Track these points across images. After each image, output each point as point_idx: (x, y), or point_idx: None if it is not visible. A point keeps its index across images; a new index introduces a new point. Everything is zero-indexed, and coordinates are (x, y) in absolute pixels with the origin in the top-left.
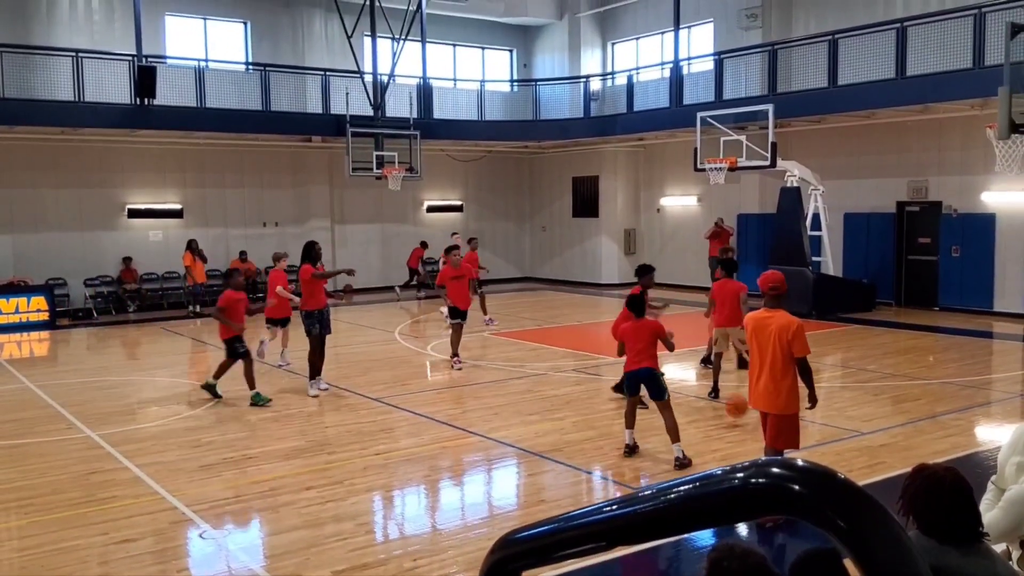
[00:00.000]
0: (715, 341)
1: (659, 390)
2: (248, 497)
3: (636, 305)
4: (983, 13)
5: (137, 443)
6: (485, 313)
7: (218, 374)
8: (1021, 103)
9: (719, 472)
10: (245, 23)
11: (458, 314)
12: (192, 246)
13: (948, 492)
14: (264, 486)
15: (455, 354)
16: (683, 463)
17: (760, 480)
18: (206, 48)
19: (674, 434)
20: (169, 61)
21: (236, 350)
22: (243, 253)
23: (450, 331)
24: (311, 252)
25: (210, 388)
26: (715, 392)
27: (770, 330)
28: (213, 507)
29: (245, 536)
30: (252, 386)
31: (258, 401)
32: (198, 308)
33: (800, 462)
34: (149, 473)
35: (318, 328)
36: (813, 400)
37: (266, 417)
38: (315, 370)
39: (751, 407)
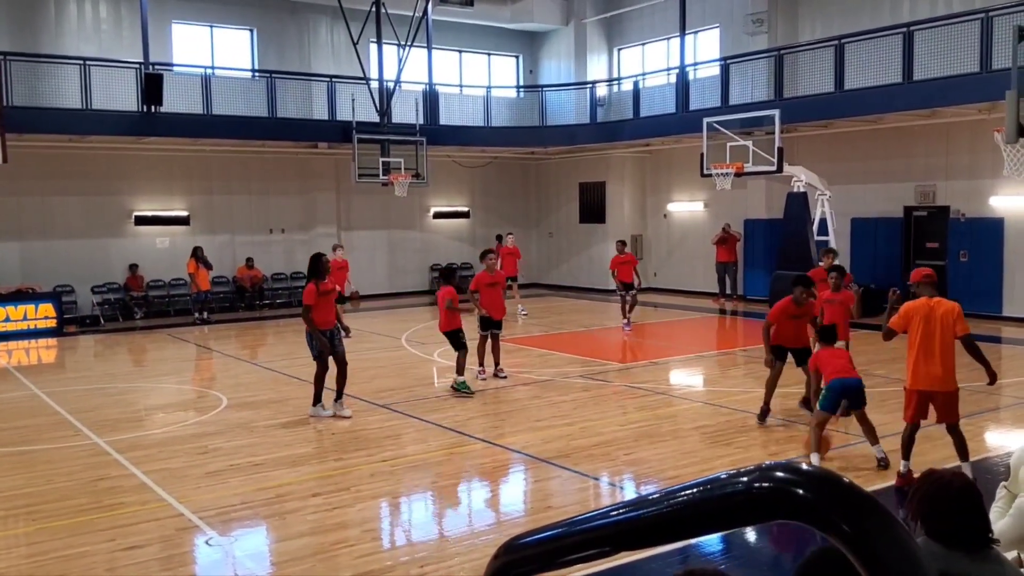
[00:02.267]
0: None
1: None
2: (254, 504)
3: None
4: (990, 17)
5: (144, 450)
6: (625, 316)
7: (460, 369)
8: None
9: (723, 476)
10: (251, 30)
11: (490, 324)
12: (197, 253)
13: (956, 497)
14: (270, 493)
15: (481, 364)
16: (885, 463)
17: (764, 484)
18: (212, 55)
19: (873, 436)
20: (176, 68)
21: (459, 340)
22: (250, 260)
23: (487, 341)
24: (317, 267)
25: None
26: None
27: (936, 315)
28: (219, 514)
29: (251, 543)
30: (460, 372)
31: (462, 388)
32: (205, 315)
33: (805, 466)
34: (156, 480)
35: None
36: (992, 376)
37: (272, 424)
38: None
39: (917, 388)
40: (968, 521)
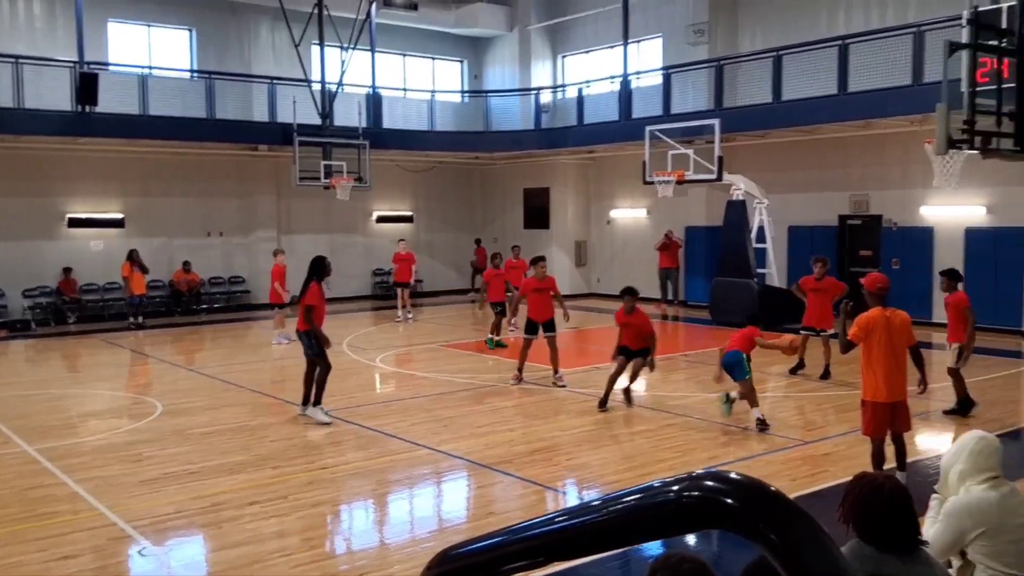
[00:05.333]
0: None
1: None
2: (190, 513)
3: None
4: (922, 31)
5: (76, 458)
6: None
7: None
8: (958, 119)
9: (656, 485)
10: (190, 30)
11: (534, 328)
12: (132, 256)
13: (886, 500)
14: (206, 501)
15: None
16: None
17: (694, 493)
18: (150, 55)
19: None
20: (112, 68)
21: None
22: (187, 263)
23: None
24: (324, 267)
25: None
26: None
27: (894, 325)
28: (154, 523)
29: (187, 552)
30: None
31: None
32: (140, 320)
33: (734, 475)
34: (88, 488)
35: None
36: (926, 384)
37: (209, 431)
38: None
39: (883, 400)
40: (898, 524)
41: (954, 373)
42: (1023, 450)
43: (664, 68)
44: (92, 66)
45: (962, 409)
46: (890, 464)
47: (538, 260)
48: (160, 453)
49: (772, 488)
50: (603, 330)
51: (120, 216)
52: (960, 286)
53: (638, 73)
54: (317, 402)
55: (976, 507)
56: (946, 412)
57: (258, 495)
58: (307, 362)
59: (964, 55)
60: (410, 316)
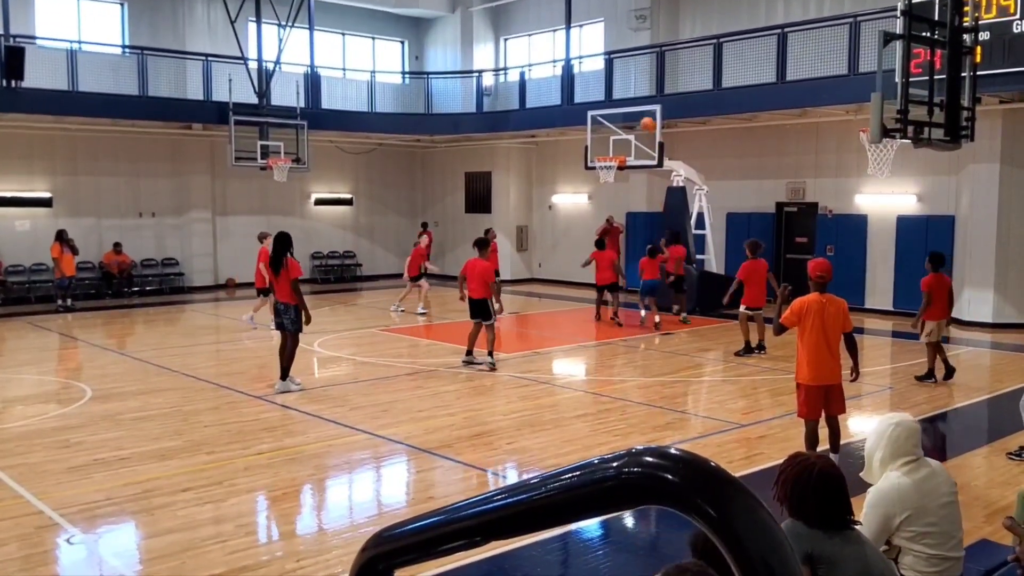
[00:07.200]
0: (930, 332)
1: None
2: (120, 499)
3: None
4: (858, 22)
5: (0, 444)
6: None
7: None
8: (892, 109)
9: (595, 461)
10: (122, 4)
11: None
12: (62, 236)
13: (816, 479)
14: (137, 488)
15: (491, 352)
16: None
17: (634, 469)
18: (79, 29)
19: None
20: (39, 42)
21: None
22: (117, 245)
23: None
24: (291, 242)
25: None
26: (949, 373)
27: (829, 311)
28: (83, 511)
29: (117, 540)
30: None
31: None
32: (68, 302)
33: (673, 450)
34: (13, 476)
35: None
36: (858, 373)
37: (140, 416)
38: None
39: (815, 383)
40: (829, 503)
41: (929, 346)
42: (951, 431)
43: (606, 53)
44: (18, 39)
45: (927, 376)
46: (824, 446)
47: (485, 244)
48: (89, 439)
49: (713, 464)
50: (544, 314)
51: (47, 195)
52: (940, 270)
53: (580, 57)
54: (287, 374)
55: (896, 493)
56: (936, 382)
57: (192, 481)
58: (283, 336)
59: (898, 46)
60: (402, 309)
